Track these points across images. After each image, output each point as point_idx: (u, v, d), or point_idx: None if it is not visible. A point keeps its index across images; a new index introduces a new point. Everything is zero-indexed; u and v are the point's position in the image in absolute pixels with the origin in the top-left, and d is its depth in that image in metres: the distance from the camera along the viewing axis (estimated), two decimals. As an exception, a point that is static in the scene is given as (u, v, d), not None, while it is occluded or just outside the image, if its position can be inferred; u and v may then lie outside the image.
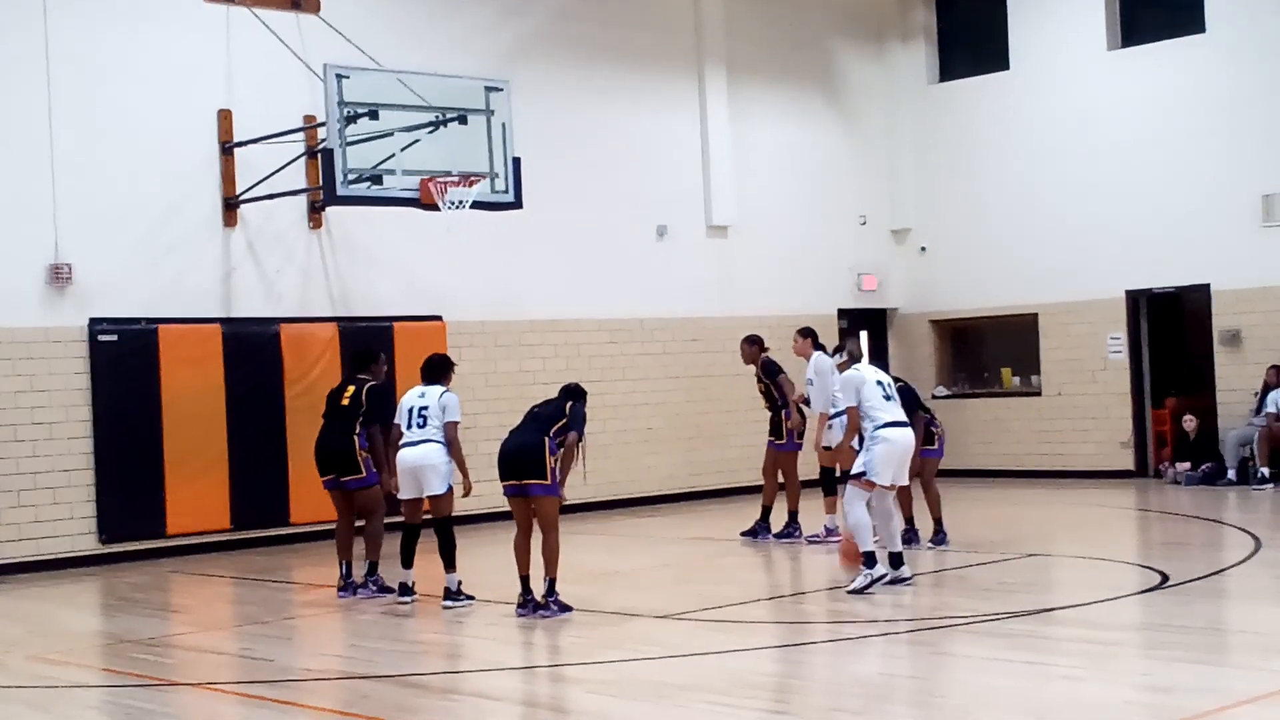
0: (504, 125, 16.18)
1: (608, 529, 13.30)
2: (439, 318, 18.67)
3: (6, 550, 15.60)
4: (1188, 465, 20.04)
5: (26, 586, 14.82)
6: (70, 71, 16.13)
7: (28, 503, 15.75)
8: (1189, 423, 20.27)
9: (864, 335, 23.89)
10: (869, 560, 11.80)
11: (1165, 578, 11.96)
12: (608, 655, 9.87)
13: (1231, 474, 19.58)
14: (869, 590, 11.68)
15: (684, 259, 21.30)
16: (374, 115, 15.54)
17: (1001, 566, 13.19)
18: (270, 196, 17.03)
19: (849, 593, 11.74)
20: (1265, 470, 19.15)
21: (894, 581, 11.96)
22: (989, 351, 23.85)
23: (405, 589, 12.54)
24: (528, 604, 11.51)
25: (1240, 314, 20.25)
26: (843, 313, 23.28)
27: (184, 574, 15.43)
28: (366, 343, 15.63)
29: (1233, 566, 12.77)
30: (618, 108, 20.77)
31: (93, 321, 16.22)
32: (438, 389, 12.51)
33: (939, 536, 14.38)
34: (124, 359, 16.32)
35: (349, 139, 15.40)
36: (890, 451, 11.98)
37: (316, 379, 17.36)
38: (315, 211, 17.80)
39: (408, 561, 12.56)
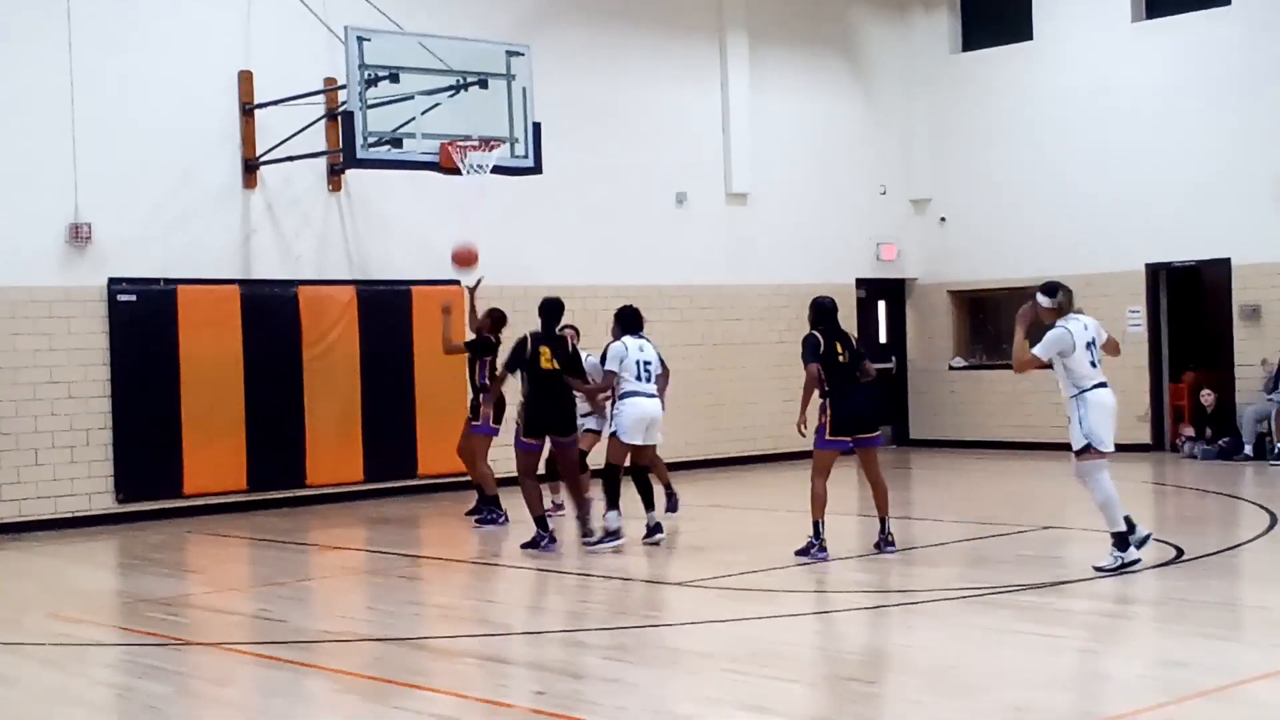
0: (524, 90, 16.16)
1: (625, 495, 13.35)
2: (457, 282, 18.63)
3: (25, 508, 15.66)
4: (1203, 438, 19.97)
5: (44, 545, 14.89)
6: (91, 31, 16.10)
7: (45, 461, 15.81)
8: (1207, 397, 20.21)
9: (882, 305, 23.93)
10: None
11: (1180, 552, 11.95)
12: (623, 621, 9.90)
13: (1248, 449, 19.54)
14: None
15: (703, 227, 21.26)
16: (394, 78, 15.52)
17: (1016, 539, 13.20)
18: (290, 159, 17.02)
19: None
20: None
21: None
22: (1007, 323, 23.69)
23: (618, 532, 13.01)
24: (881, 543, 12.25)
25: (1260, 289, 20.16)
26: (861, 282, 23.24)
27: (200, 534, 15.49)
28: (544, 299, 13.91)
29: (1248, 542, 12.76)
30: (639, 74, 20.70)
31: (112, 281, 16.25)
32: (647, 342, 13.30)
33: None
34: (143, 319, 16.35)
35: (369, 102, 15.39)
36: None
37: (335, 341, 17.43)
38: (335, 174, 17.79)
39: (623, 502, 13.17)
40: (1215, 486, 17.00)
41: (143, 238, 16.45)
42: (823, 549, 12.00)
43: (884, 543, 12.26)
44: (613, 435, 13.18)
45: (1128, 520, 11.20)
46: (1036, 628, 9.44)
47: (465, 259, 14.43)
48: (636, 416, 13.03)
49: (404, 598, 11.49)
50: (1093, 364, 11.32)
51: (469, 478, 15.60)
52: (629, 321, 13.46)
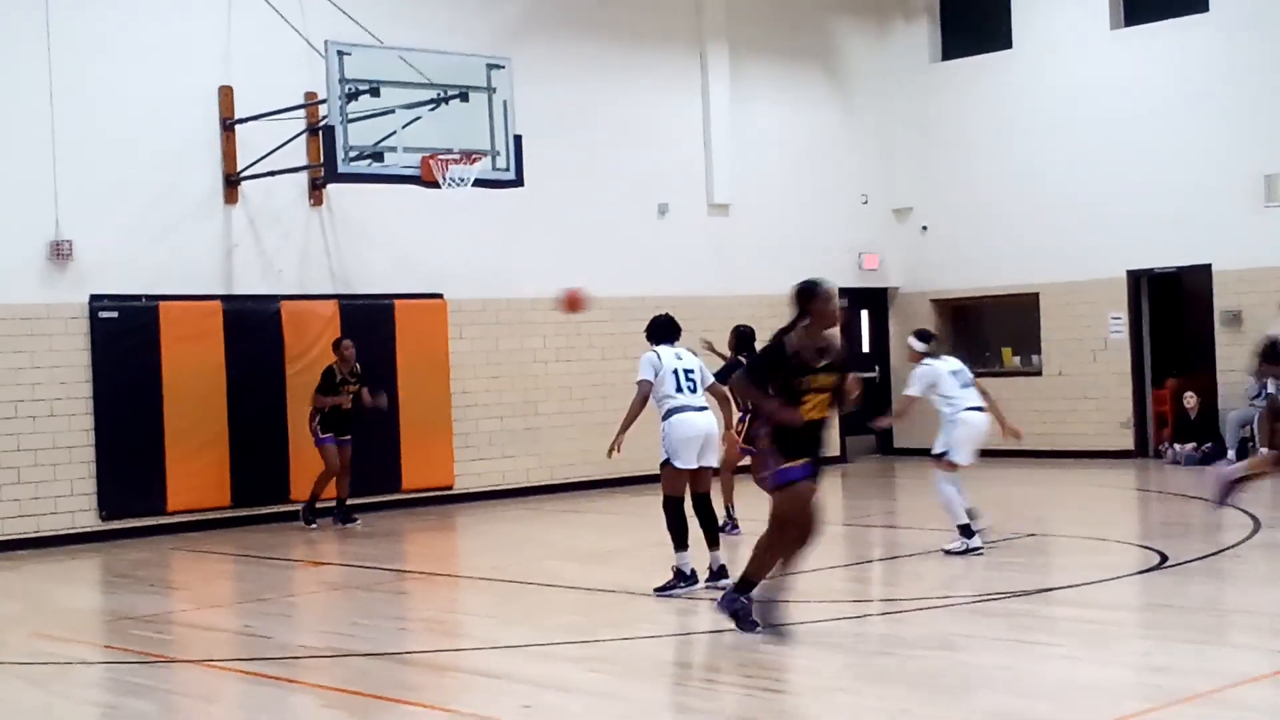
0: (505, 103, 16.16)
1: (607, 507, 13.32)
2: (440, 295, 18.66)
3: (7, 527, 15.60)
4: (1190, 446, 20.01)
5: (27, 563, 14.84)
6: (71, 47, 16.07)
7: (28, 479, 15.75)
8: (1190, 400, 20.23)
9: (865, 314, 23.97)
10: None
11: (1164, 558, 11.98)
12: (607, 634, 9.89)
13: (1231, 454, 19.58)
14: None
15: (685, 238, 21.27)
16: (375, 92, 15.51)
17: (1000, 546, 13.20)
18: (271, 174, 17.00)
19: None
20: (1265, 451, 19.12)
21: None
22: (990, 331, 23.83)
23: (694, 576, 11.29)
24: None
25: (1241, 294, 20.22)
26: (844, 292, 23.20)
27: (184, 551, 15.45)
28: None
29: (1232, 547, 12.78)
30: (619, 85, 20.72)
31: (93, 298, 16.21)
32: (685, 349, 11.51)
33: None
34: (125, 336, 16.31)
35: (350, 116, 15.37)
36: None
37: (317, 356, 17.37)
38: (316, 189, 17.77)
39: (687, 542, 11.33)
40: (1198, 492, 17.02)
41: (124, 254, 16.40)
42: (735, 526, 13.88)
43: (732, 525, 13.83)
44: (665, 463, 11.20)
45: (970, 513, 12.51)
46: (1021, 635, 9.45)
47: (573, 302, 12.30)
48: (687, 435, 11.17)
49: (389, 612, 11.46)
50: (964, 387, 12.67)
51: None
52: (661, 331, 11.64)
